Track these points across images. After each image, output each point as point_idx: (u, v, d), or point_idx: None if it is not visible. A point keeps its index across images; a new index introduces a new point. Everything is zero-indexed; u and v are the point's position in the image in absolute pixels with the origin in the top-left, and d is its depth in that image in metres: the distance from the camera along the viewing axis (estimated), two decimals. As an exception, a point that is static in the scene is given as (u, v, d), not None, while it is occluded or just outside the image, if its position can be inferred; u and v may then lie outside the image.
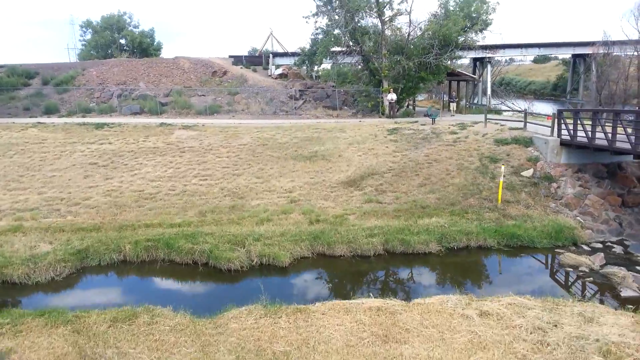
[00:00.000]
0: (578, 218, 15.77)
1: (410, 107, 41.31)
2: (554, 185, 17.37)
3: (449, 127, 24.73)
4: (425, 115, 29.10)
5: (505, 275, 12.50)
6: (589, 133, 16.64)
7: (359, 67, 36.32)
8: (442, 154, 20.51)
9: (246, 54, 57.32)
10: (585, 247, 14.00)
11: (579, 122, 17.30)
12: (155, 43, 70.77)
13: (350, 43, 33.99)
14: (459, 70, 42.58)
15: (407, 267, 13.28)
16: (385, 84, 33.08)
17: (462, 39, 32.19)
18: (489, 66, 46.82)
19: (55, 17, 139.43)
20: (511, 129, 22.67)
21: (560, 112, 18.71)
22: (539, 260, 13.63)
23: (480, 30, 32.82)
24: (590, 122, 17.00)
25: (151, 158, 22.09)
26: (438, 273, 12.59)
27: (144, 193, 18.23)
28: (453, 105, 34.83)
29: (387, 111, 32.33)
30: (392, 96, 31.62)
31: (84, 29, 70.42)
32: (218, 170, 20.40)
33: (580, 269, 12.42)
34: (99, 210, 16.81)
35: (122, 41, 67.08)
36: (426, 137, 22.88)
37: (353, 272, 12.90)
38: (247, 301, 10.40)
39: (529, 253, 13.82)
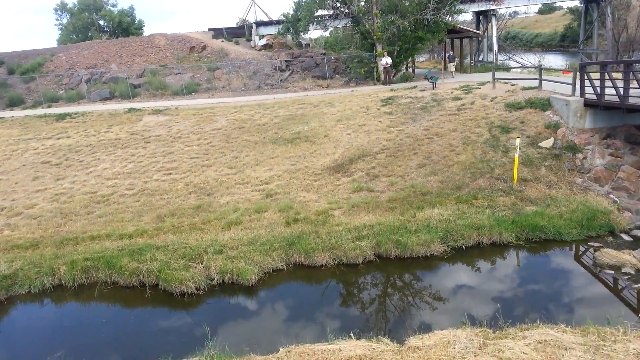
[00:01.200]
0: (611, 195, 13.16)
1: (410, 69, 38.29)
2: (580, 156, 14.69)
3: (451, 92, 21.89)
4: (425, 79, 26.14)
5: (528, 287, 9.91)
6: (621, 90, 13.84)
7: (349, 31, 33.17)
8: (444, 125, 17.79)
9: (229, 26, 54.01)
10: (626, 237, 11.41)
11: (607, 76, 14.48)
12: (136, 22, 67.80)
13: (337, 4, 30.83)
14: (461, 26, 39.14)
15: (403, 280, 10.80)
16: (379, 48, 30.05)
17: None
18: (493, 19, 43.36)
19: (47, 4, 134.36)
20: (524, 88, 19.82)
21: (583, 66, 15.83)
22: (569, 259, 11.05)
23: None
24: (619, 77, 14.20)
25: (111, 152, 19.59)
26: (441, 288, 10.03)
27: (96, 195, 15.80)
28: (451, 66, 31.53)
29: (382, 77, 29.45)
30: (387, 60, 28.64)
31: (58, 12, 67.32)
32: (185, 162, 17.90)
33: (623, 270, 9.87)
34: (42, 221, 14.45)
35: (102, 22, 64.26)
36: (426, 106, 20.10)
37: (335, 290, 10.45)
38: (191, 347, 8.07)
39: (555, 248, 11.28)
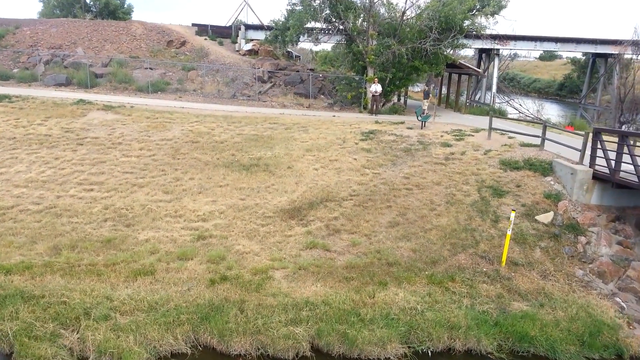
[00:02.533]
0: (617, 299, 10.83)
1: (402, 99, 36.20)
2: (582, 239, 12.37)
3: (441, 135, 19.63)
4: (417, 114, 23.49)
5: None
6: (641, 169, 11.64)
7: (341, 49, 30.90)
8: (427, 176, 15.39)
9: (217, 24, 51.61)
10: (638, 366, 9.04)
11: (626, 150, 12.29)
12: (125, 5, 65.25)
13: (332, 18, 28.57)
14: (461, 61, 37.33)
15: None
16: (370, 72, 27.82)
17: (468, 23, 26.86)
18: (496, 59, 41.69)
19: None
20: (523, 145, 17.64)
21: (597, 132, 13.62)
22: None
23: (492, 14, 27.45)
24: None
25: (34, 150, 16.71)
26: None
27: (-10, 207, 12.92)
28: (425, 103, 28.36)
29: (369, 105, 27.10)
30: (377, 87, 26.39)
31: (41, -18, 64.03)
32: (115, 177, 15.12)
33: None
34: None
35: (88, 0, 61.49)
36: (410, 149, 17.73)
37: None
38: None
39: (547, 372, 8.82)
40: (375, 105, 26.70)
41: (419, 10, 27.86)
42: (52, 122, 19.50)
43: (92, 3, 62.15)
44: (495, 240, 12.24)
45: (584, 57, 68.70)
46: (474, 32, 28.17)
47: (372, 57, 27.11)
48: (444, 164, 16.10)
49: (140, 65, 31.75)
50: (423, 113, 23.16)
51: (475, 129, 21.74)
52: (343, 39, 29.95)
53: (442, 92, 45.82)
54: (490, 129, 19.35)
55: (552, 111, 53.18)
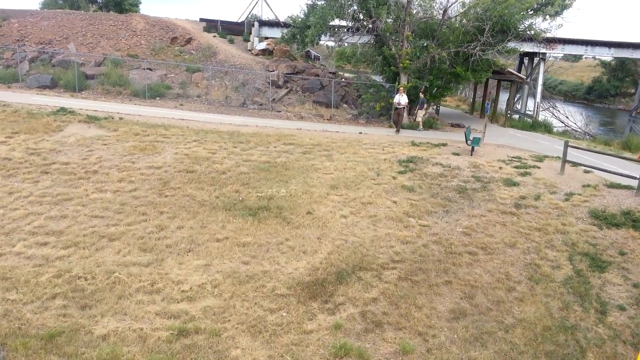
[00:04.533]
0: None
1: (432, 108, 32.52)
2: None
3: (499, 168, 16.03)
4: (466, 140, 19.41)
5: None
6: None
7: (369, 51, 27.30)
8: (495, 232, 11.79)
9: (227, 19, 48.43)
10: None
11: None
12: (132, -3, 62.58)
13: (361, 16, 25.05)
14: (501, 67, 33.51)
15: None
16: (404, 80, 24.23)
17: (527, 23, 23.12)
18: (542, 64, 37.78)
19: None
20: (609, 185, 13.97)
21: None
22: None
23: (554, 15, 23.64)
24: None
25: (-17, 181, 13.44)
26: None
27: None
28: (419, 115, 24.53)
29: (396, 119, 23.22)
30: (401, 98, 22.68)
31: (43, -28, 61.51)
32: (80, 223, 11.75)
33: None
34: None
35: (92, -9, 58.98)
36: (465, 188, 14.13)
37: None
38: None
39: None
40: (399, 121, 22.89)
41: (464, 8, 24.18)
42: (17, 140, 16.25)
43: (96, -6, 59.65)
44: (608, 346, 8.61)
45: (614, 61, 65.34)
46: (528, 35, 24.38)
47: (407, 61, 23.51)
48: (515, 215, 12.47)
49: (138, 65, 28.52)
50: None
51: (536, 156, 18.15)
52: (372, 40, 26.39)
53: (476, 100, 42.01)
54: (565, 161, 15.62)
55: (582, 116, 49.36)
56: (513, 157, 17.65)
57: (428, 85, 24.48)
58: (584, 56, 64.23)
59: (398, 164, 16.22)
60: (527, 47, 33.28)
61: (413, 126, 24.78)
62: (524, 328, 9.01)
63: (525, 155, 18.45)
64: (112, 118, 19.80)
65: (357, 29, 24.20)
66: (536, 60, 39.11)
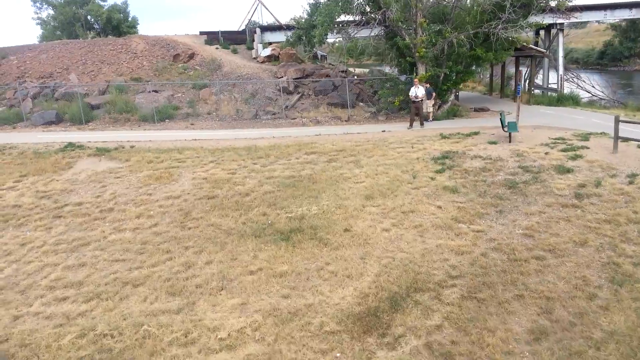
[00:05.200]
0: None
1: (452, 96, 31.21)
2: None
3: (545, 153, 14.76)
4: (502, 126, 17.90)
5: None
6: None
7: (380, 44, 26.09)
8: (560, 230, 10.55)
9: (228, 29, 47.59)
10: None
11: None
12: (129, 19, 62.59)
13: (367, 8, 23.91)
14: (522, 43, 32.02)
15: None
16: (422, 69, 23.02)
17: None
18: (560, 35, 36.05)
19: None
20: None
21: None
22: None
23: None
24: None
25: (-7, 234, 12.62)
26: None
27: None
28: (429, 106, 23.17)
29: (417, 113, 21.81)
30: (417, 90, 21.33)
31: (37, 4, 61.63)
32: (100, 270, 10.83)
33: None
34: None
35: (90, 17, 59.09)
36: (514, 182, 12.89)
37: None
38: None
39: None
40: (418, 115, 21.52)
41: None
42: (26, 183, 15.47)
43: (93, 20, 59.70)
44: None
45: (625, 22, 63.42)
46: (550, 6, 22.97)
47: (423, 50, 22.28)
48: (578, 207, 11.21)
49: (143, 89, 27.77)
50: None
51: (580, 134, 16.85)
52: (382, 32, 25.20)
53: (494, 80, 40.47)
54: (617, 138, 14.27)
55: (600, 81, 47.60)
56: (556, 139, 16.32)
57: (448, 72, 23.21)
58: (601, 21, 62.38)
59: (433, 161, 15.05)
60: (547, 19, 31.70)
61: (438, 117, 23.54)
62: (617, 342, 7.78)
63: (567, 135, 17.11)
64: (123, 147, 19.00)
65: (368, 22, 22.99)
66: (553, 31, 37.41)
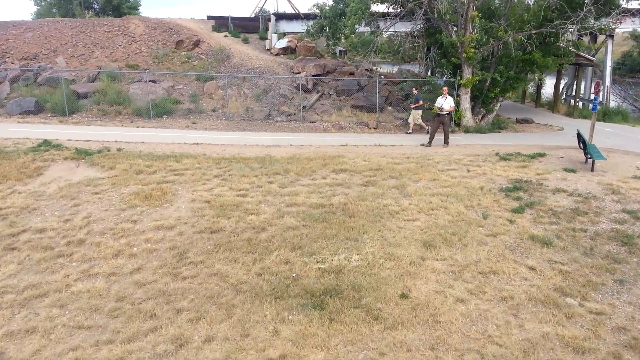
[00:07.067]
0: None
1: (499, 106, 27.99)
2: None
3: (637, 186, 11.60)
4: (583, 150, 14.38)
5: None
6: None
7: (417, 42, 22.76)
8: None
9: (239, 15, 44.44)
10: None
11: None
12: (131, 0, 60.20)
13: (408, -1, 20.70)
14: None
15: None
16: (468, 73, 19.89)
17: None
18: (610, 42, 32.86)
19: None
20: None
21: None
22: None
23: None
24: None
25: None
26: None
27: None
28: (417, 116, 20.27)
29: (434, 129, 18.36)
30: (444, 102, 17.74)
31: (31, -21, 58.71)
32: (55, 343, 7.63)
33: None
34: None
35: (88, -4, 56.70)
36: (626, 235, 9.74)
37: None
38: None
39: None
40: (445, 132, 18.04)
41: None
42: (-22, 195, 12.31)
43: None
44: None
45: None
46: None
47: (472, 50, 19.12)
48: None
49: (139, 78, 24.59)
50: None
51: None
52: (421, 26, 21.99)
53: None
54: None
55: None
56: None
57: (499, 78, 20.03)
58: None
59: (503, 194, 11.90)
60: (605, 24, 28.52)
61: (481, 129, 20.41)
62: None
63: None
64: (108, 150, 15.85)
65: (412, 12, 19.74)
66: (600, 37, 34.21)
